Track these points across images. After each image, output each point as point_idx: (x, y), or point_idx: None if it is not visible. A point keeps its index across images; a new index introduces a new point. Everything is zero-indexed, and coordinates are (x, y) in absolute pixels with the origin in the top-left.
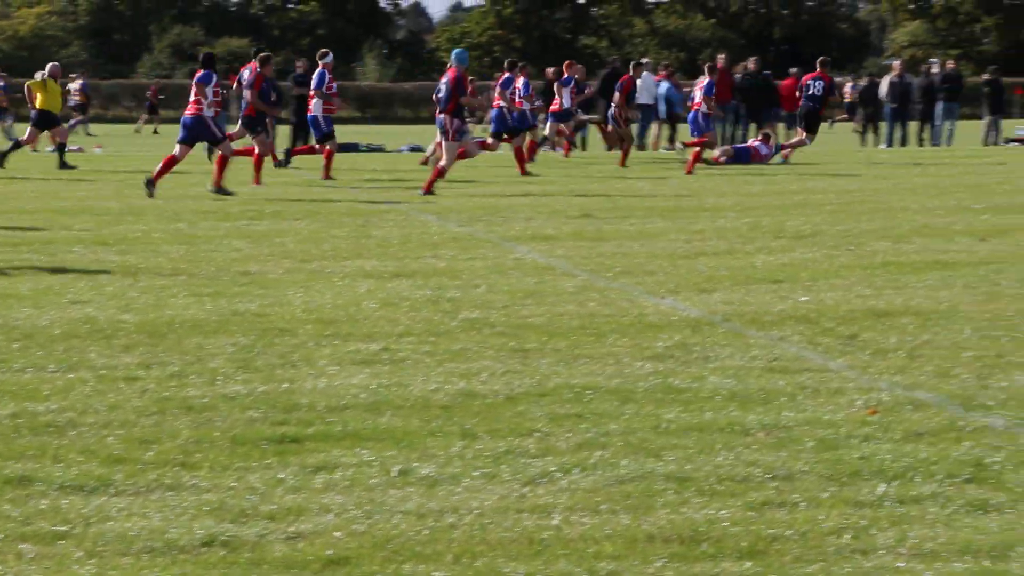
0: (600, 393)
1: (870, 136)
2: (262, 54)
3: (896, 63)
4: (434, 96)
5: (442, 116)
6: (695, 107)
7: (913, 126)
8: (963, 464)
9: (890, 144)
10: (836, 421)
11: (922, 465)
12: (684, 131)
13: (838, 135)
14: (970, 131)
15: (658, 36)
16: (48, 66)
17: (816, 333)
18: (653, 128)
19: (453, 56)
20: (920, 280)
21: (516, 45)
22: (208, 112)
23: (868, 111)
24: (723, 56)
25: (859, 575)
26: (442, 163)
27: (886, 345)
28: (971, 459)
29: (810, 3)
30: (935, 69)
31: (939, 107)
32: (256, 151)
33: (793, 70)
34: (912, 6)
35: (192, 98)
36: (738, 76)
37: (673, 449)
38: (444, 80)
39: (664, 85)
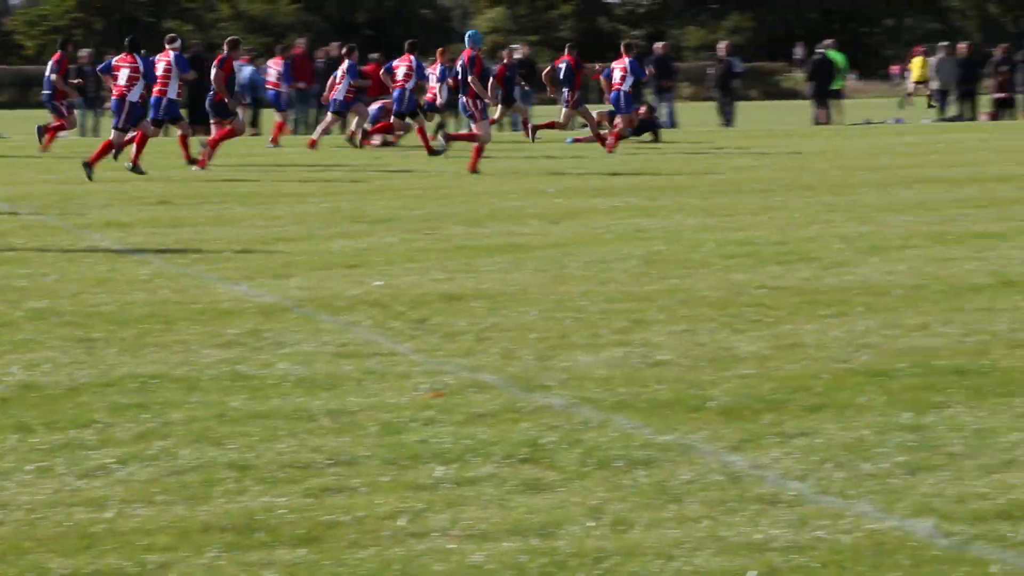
0: (165, 382)
1: (452, 120)
2: (231, 38)
3: None
4: (448, 80)
5: (464, 99)
6: (616, 87)
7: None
8: (520, 445)
9: None
10: (400, 405)
11: (481, 447)
12: (267, 115)
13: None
14: (550, 115)
15: (243, 20)
16: None
17: (387, 317)
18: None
19: (467, 37)
20: (492, 263)
21: (97, 28)
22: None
23: (450, 96)
24: (303, 40)
25: (411, 558)
26: (480, 140)
27: (455, 328)
28: (528, 440)
29: None
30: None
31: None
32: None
33: (374, 55)
34: None
35: (122, 81)
36: (320, 62)
37: (236, 437)
38: (460, 63)
39: (247, 69)
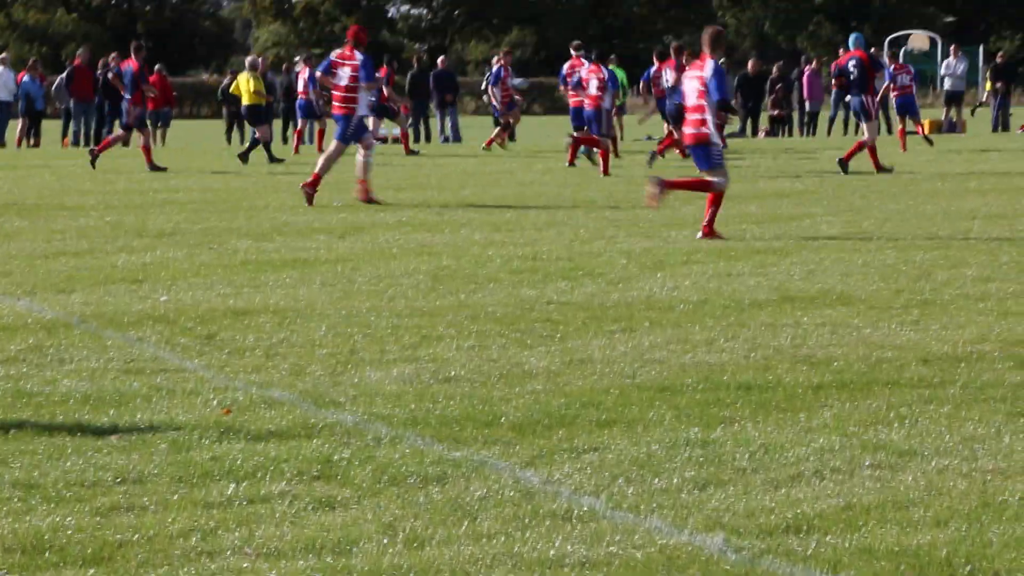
0: None
1: (235, 134)
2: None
3: (260, 61)
4: (835, 80)
5: (863, 97)
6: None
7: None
8: (312, 461)
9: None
10: (190, 422)
11: (272, 463)
12: (48, 128)
13: (201, 131)
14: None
15: (19, 30)
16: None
17: (175, 333)
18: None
19: (854, 39)
20: (279, 278)
21: None
22: None
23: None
24: (83, 51)
25: None
26: (866, 139)
27: (244, 344)
28: (320, 456)
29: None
30: (298, 68)
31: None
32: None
33: (158, 66)
34: (273, 8)
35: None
36: (100, 73)
37: (21, 455)
38: (852, 63)
39: (25, 79)
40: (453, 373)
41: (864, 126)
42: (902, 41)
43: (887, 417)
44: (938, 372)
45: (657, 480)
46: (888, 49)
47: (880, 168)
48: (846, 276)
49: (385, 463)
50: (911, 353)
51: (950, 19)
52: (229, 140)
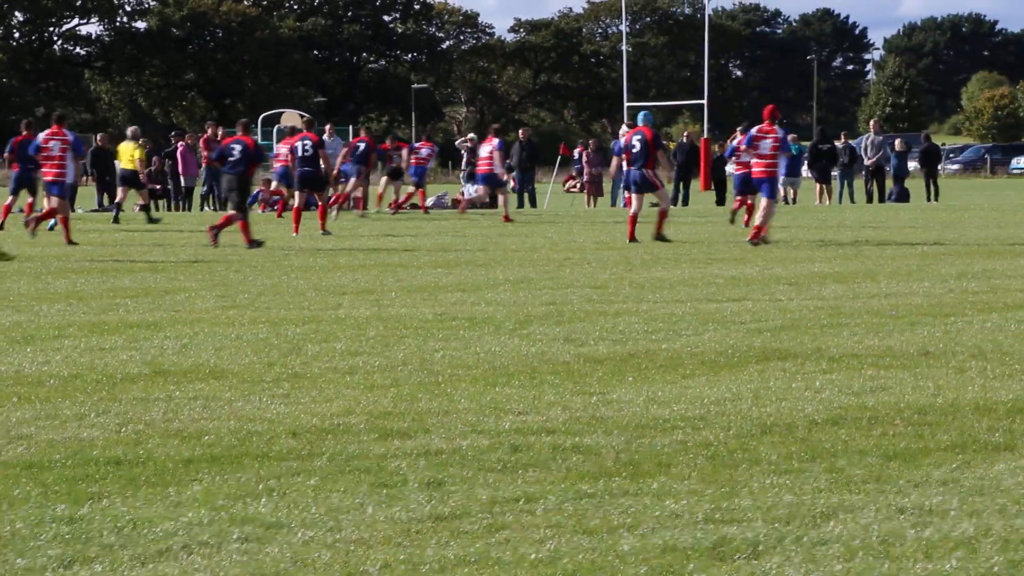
0: None
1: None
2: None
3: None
4: (624, 153)
5: (643, 170)
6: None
7: None
8: None
9: None
10: None
11: None
12: None
13: None
14: None
15: None
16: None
17: None
18: None
19: (643, 117)
20: None
21: None
22: None
23: None
24: None
25: None
26: (664, 206)
27: None
28: None
29: None
30: None
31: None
32: None
33: None
34: None
35: None
36: None
37: None
38: (638, 138)
39: None
40: None
41: None
42: (275, 119)
43: (256, 490)
44: (307, 444)
45: (21, 559)
46: (262, 126)
47: None
48: (219, 350)
49: None
50: (281, 426)
51: (321, 99)
52: None
